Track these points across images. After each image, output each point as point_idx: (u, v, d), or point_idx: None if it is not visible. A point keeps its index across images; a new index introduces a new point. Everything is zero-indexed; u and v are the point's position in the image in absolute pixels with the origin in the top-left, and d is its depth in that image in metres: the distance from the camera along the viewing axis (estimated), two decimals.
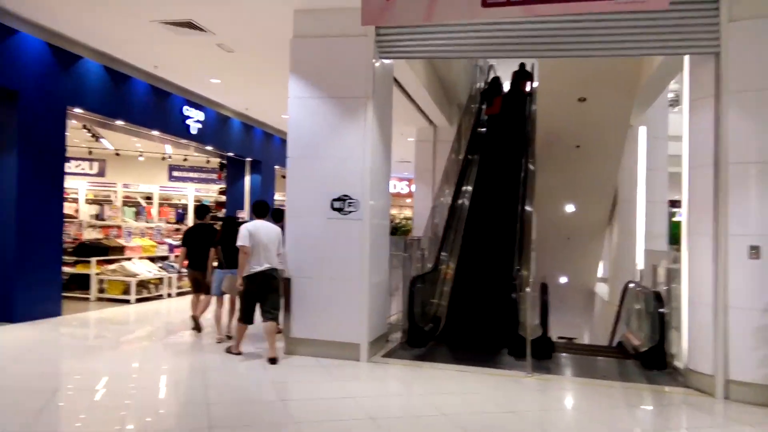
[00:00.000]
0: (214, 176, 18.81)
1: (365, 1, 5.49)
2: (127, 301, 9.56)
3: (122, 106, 9.36)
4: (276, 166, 14.92)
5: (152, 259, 10.83)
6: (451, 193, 10.19)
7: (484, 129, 12.55)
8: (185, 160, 18.26)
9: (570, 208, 13.10)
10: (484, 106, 13.20)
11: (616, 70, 9.12)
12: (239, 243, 6.03)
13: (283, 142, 13.05)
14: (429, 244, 8.98)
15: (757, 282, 5.26)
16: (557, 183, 12.09)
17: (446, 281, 8.63)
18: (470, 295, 8.32)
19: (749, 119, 5.36)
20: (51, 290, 8.07)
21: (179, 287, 10.83)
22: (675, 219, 14.32)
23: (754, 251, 5.26)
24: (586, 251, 14.30)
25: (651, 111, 11.49)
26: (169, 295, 10.53)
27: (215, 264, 7.20)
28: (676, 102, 16.37)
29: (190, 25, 7.24)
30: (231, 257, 6.70)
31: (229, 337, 6.95)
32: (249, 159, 14.02)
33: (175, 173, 20.50)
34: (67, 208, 17.61)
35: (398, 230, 19.18)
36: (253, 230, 6.08)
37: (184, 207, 19.78)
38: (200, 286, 7.41)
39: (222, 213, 14.75)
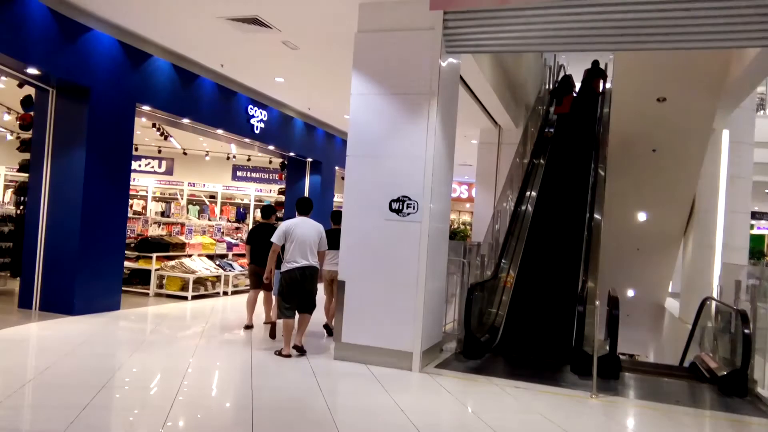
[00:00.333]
0: (276, 176, 19.07)
1: None
2: (185, 298, 9.71)
3: (189, 104, 9.51)
4: (336, 167, 14.91)
5: (211, 257, 10.98)
6: (514, 199, 9.79)
7: (551, 131, 12.05)
8: (249, 160, 18.58)
9: (642, 216, 12.33)
10: (552, 108, 12.71)
11: (699, 68, 8.48)
12: (272, 239, 6.26)
13: (344, 143, 13.00)
14: (489, 250, 8.62)
15: None
16: (629, 189, 11.42)
17: (506, 290, 8.27)
18: (531, 305, 7.94)
19: None
20: (111, 284, 8.23)
21: (235, 285, 10.93)
22: (752, 232, 13.28)
23: None
24: (658, 263, 13.44)
25: (736, 114, 10.67)
26: (225, 293, 10.63)
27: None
28: (762, 105, 15.22)
29: (255, 21, 7.23)
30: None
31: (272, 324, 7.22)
32: (310, 159, 14.03)
33: (239, 173, 20.98)
34: (136, 204, 18.44)
35: (456, 235, 18.83)
36: (292, 227, 6.24)
37: (246, 206, 20.21)
38: (260, 282, 7.49)
39: (281, 213, 14.87)
